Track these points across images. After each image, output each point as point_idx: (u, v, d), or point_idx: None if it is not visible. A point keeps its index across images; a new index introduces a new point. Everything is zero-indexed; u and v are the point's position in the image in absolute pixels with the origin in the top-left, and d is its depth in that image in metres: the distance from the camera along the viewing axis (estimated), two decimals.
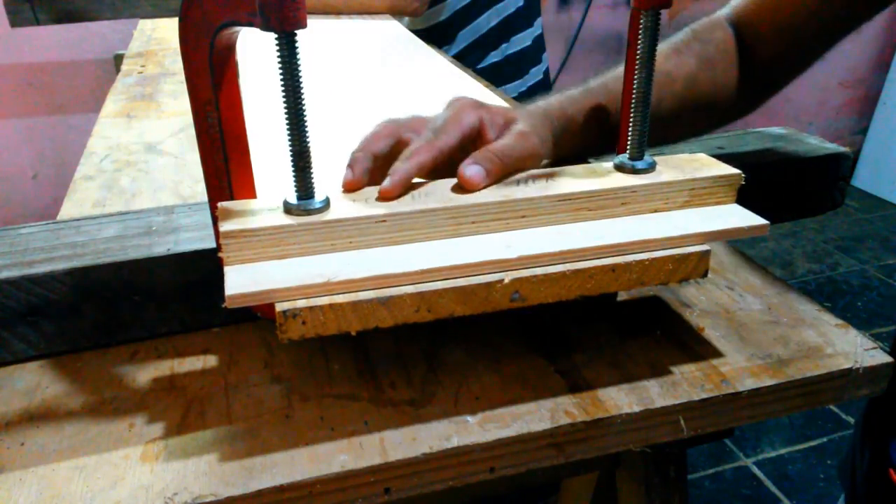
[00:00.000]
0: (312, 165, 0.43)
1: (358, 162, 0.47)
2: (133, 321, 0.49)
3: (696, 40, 0.65)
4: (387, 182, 0.45)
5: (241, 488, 0.38)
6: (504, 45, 1.41)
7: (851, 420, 1.79)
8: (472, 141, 0.50)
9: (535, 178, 0.48)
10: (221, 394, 0.45)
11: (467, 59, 1.38)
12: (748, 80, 0.65)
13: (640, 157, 0.49)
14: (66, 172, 2.11)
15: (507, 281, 0.42)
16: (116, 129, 0.88)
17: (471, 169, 0.46)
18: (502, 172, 0.47)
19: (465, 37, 1.39)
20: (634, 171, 0.49)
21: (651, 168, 0.49)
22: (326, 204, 0.43)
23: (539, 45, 1.47)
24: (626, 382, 0.46)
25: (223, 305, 0.38)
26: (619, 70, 0.58)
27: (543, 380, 0.46)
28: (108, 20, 1.49)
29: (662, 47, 0.64)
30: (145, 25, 1.48)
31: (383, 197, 0.44)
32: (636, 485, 0.60)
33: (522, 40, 1.43)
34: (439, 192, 0.46)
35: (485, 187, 0.46)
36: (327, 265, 0.41)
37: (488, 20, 1.39)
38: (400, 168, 0.46)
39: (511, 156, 0.48)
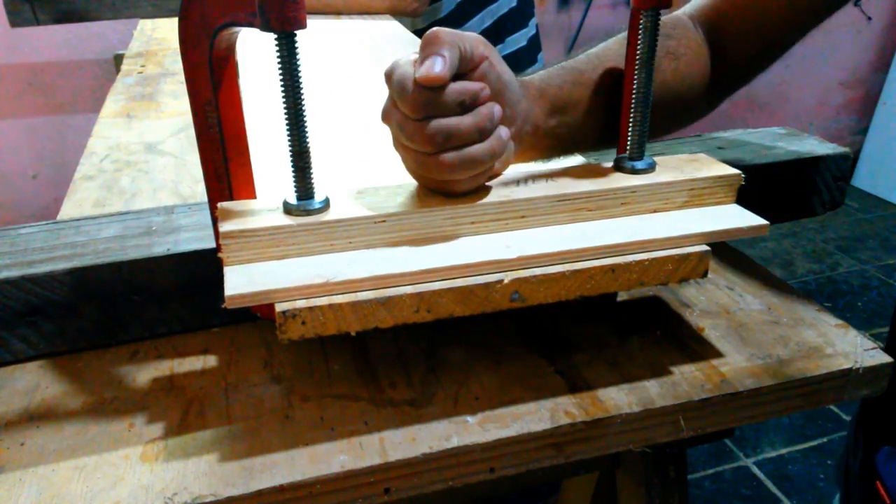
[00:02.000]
0: (312, 165, 0.43)
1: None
2: (133, 321, 0.49)
3: None
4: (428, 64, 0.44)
5: (241, 488, 0.38)
6: (499, 47, 1.41)
7: None
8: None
9: (534, 178, 0.48)
10: (221, 394, 0.45)
11: None
12: (717, 78, 0.65)
13: (640, 157, 0.49)
14: (66, 172, 2.11)
15: (506, 281, 0.41)
16: (116, 129, 0.88)
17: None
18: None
19: None
20: (634, 172, 0.49)
21: (651, 168, 0.49)
22: (326, 204, 0.43)
23: (534, 45, 1.47)
24: (625, 382, 0.46)
25: (223, 306, 0.38)
26: (594, 50, 0.58)
27: (543, 380, 0.46)
28: (108, 20, 1.48)
29: (617, 39, 0.60)
30: (145, 25, 1.48)
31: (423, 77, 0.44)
32: (636, 485, 0.60)
33: (517, 41, 1.43)
34: (439, 193, 0.46)
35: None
36: (327, 265, 0.41)
37: (482, 21, 1.39)
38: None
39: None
